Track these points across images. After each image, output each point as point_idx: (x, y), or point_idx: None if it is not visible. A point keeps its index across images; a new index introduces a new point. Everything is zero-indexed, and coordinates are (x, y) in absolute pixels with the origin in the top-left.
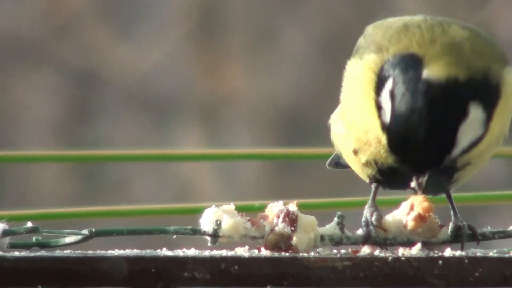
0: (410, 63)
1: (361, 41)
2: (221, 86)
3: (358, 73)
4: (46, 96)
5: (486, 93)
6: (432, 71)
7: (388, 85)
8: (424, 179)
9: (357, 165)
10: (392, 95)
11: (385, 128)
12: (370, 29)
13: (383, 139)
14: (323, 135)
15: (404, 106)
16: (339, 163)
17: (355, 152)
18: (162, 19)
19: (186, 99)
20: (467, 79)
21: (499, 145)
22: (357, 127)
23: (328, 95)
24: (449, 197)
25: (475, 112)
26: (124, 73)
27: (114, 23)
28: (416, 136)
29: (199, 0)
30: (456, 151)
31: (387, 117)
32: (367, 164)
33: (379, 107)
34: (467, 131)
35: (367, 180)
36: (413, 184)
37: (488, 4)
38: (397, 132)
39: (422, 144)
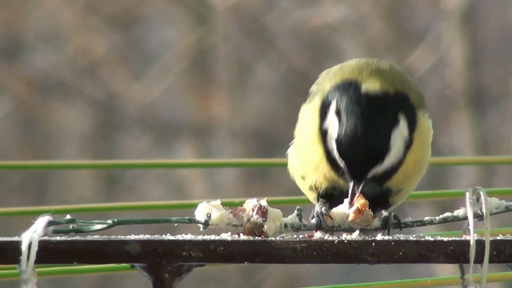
0: (347, 86)
1: (313, 88)
2: (209, 111)
3: (306, 114)
4: (77, 120)
5: (408, 111)
6: (368, 86)
7: (333, 106)
8: (359, 188)
9: (305, 189)
10: (338, 111)
11: (334, 140)
12: (320, 77)
13: (322, 165)
14: (286, 150)
15: (352, 115)
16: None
17: (303, 178)
18: (164, 62)
19: (183, 121)
20: (395, 94)
21: (423, 173)
22: (304, 157)
23: (290, 119)
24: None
25: (403, 122)
26: (136, 103)
27: (128, 65)
28: (360, 138)
29: (191, 47)
30: (389, 158)
31: (334, 133)
32: (310, 188)
33: (323, 135)
34: (397, 138)
35: (314, 202)
36: (350, 190)
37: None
38: (348, 137)
39: (365, 145)
